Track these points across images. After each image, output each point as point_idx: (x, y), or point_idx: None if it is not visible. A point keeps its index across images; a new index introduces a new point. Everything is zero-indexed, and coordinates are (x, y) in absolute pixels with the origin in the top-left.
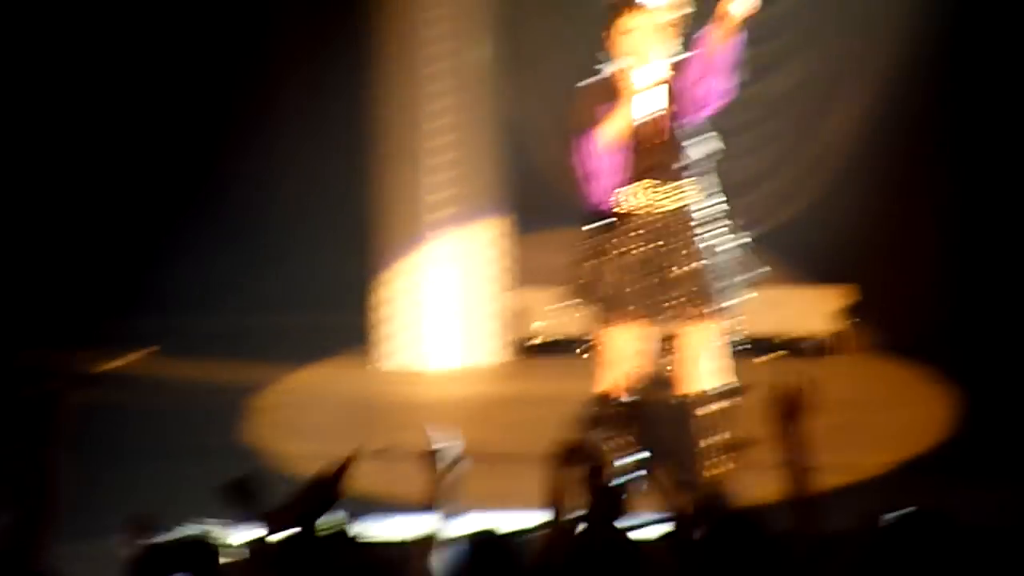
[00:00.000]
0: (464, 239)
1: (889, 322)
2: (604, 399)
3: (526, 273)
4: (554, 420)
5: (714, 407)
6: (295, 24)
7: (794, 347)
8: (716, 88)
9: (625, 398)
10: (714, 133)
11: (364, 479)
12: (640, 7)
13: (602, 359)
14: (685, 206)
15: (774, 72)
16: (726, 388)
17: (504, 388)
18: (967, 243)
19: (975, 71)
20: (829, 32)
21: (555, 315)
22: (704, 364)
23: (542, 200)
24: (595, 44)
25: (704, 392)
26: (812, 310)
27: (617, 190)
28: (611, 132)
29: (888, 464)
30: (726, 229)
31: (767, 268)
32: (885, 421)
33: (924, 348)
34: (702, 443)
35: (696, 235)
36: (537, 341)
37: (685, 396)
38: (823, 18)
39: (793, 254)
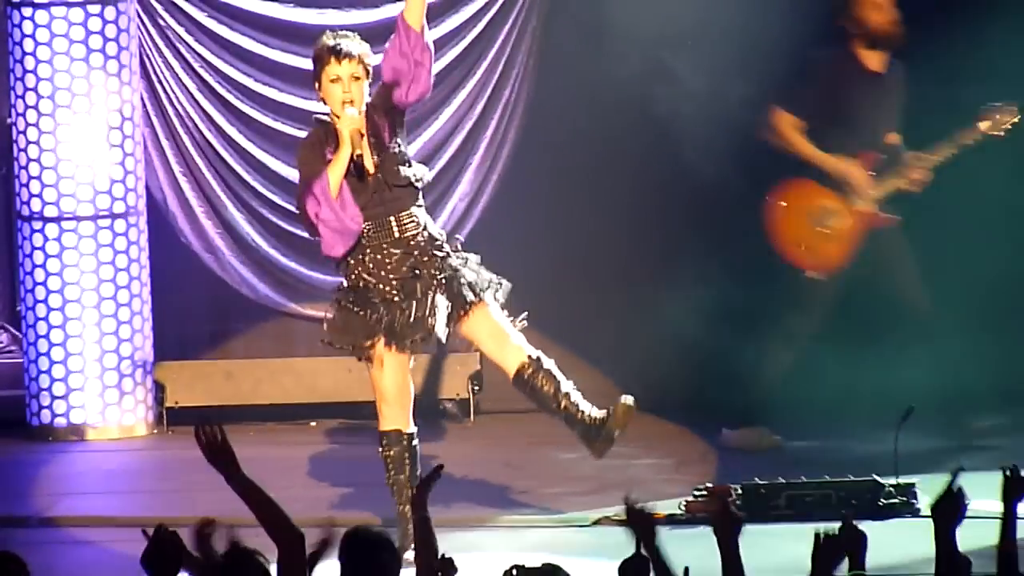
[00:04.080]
0: (109, 307)
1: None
2: (395, 436)
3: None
4: (208, 486)
5: (546, 367)
6: None
7: None
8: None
9: (411, 429)
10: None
11: None
12: (347, 55)
13: (380, 397)
14: (423, 229)
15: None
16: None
17: (156, 455)
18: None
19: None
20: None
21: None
22: (509, 339)
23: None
24: None
25: (530, 358)
26: None
27: (360, 225)
28: (338, 174)
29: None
30: (456, 246)
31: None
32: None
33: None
34: (563, 402)
35: (441, 252)
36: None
37: (520, 371)
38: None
39: None
